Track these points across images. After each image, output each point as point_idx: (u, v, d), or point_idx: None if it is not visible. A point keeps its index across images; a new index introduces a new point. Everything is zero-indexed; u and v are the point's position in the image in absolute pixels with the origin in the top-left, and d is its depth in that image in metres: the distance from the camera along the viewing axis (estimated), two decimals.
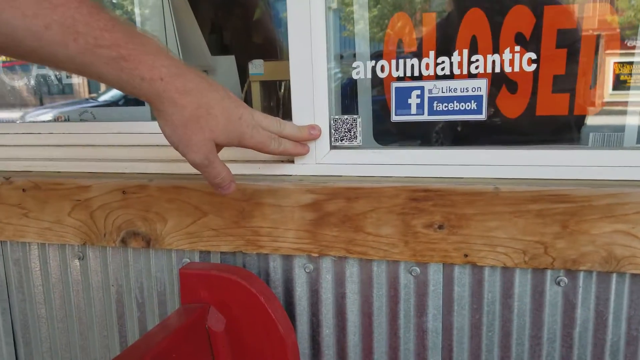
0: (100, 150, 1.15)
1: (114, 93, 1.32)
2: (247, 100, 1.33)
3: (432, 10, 0.93)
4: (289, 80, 1.00)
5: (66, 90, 1.32)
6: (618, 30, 0.91)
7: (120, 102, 1.29)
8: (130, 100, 1.24)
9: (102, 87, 1.35)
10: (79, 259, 1.18)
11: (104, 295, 1.18)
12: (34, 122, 1.26)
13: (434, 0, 0.93)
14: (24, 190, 1.14)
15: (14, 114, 1.39)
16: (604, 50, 0.91)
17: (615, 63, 0.92)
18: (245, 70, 1.52)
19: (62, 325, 1.23)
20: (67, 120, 1.25)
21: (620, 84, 0.93)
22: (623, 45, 0.92)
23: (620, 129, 0.93)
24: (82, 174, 1.13)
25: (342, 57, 1.00)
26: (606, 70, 0.93)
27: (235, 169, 1.06)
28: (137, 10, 1.15)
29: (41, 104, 1.37)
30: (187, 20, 1.21)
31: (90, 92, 1.35)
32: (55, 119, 1.32)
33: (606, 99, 0.91)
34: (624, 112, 0.94)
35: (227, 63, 1.28)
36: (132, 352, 0.87)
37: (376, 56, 0.96)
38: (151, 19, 1.17)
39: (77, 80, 1.30)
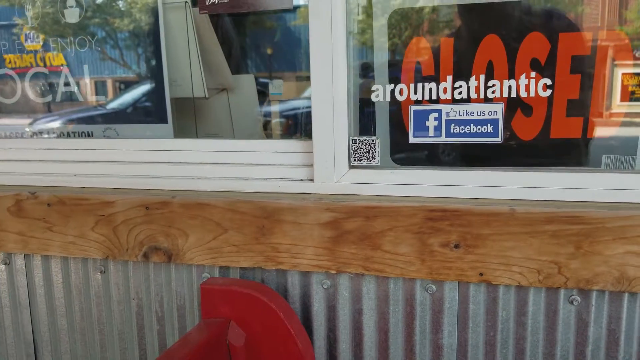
0: (124, 167, 1.19)
1: (123, 100, 1.35)
2: (266, 119, 1.38)
3: (450, 35, 0.96)
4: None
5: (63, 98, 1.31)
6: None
7: (128, 110, 1.31)
8: (147, 111, 1.26)
9: (110, 94, 1.35)
10: (100, 272, 1.20)
11: (124, 308, 1.21)
12: (59, 137, 1.30)
13: (452, 25, 0.97)
14: (49, 204, 1.17)
15: (23, 121, 1.40)
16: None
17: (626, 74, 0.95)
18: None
19: (83, 337, 1.26)
20: (90, 135, 1.28)
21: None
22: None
23: (633, 151, 0.96)
24: (106, 190, 1.16)
25: (362, 75, 1.03)
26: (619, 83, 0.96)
27: (256, 186, 1.09)
28: (162, 34, 1.19)
29: (49, 111, 1.38)
30: (211, 43, 1.25)
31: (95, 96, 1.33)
32: (65, 126, 1.35)
33: (623, 110, 0.94)
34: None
35: (247, 82, 1.32)
36: None
37: (395, 79, 0.99)
38: (177, 43, 1.21)
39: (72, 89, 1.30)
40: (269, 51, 1.39)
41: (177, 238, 1.10)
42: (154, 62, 1.19)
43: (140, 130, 1.23)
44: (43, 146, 1.25)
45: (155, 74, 1.20)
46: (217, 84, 1.31)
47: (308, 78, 1.01)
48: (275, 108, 1.37)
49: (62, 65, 1.27)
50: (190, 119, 1.31)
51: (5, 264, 1.27)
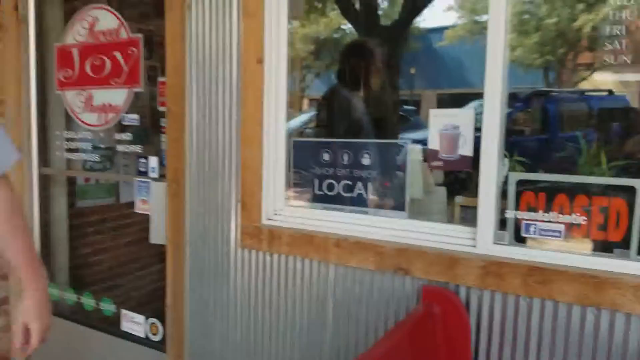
0: (384, 231, 2.61)
1: (388, 199, 2.77)
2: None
3: None
4: None
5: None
6: None
7: (387, 205, 2.73)
8: (397, 205, 2.67)
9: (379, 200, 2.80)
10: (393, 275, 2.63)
11: (383, 293, 2.61)
12: (348, 212, 2.77)
13: None
14: (340, 245, 2.62)
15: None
16: None
17: None
18: None
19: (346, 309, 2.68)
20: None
21: None
22: None
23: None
24: (375, 241, 2.59)
25: None
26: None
27: (451, 247, 2.44)
28: (408, 172, 2.61)
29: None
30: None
31: None
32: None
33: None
34: None
35: (440, 193, 2.71)
36: (403, 322, 2.28)
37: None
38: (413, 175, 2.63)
39: None
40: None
41: (409, 265, 2.48)
42: (401, 186, 2.62)
43: (392, 214, 2.66)
44: (344, 219, 2.73)
45: (402, 190, 2.63)
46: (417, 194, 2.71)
47: None
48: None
49: None
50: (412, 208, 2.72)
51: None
